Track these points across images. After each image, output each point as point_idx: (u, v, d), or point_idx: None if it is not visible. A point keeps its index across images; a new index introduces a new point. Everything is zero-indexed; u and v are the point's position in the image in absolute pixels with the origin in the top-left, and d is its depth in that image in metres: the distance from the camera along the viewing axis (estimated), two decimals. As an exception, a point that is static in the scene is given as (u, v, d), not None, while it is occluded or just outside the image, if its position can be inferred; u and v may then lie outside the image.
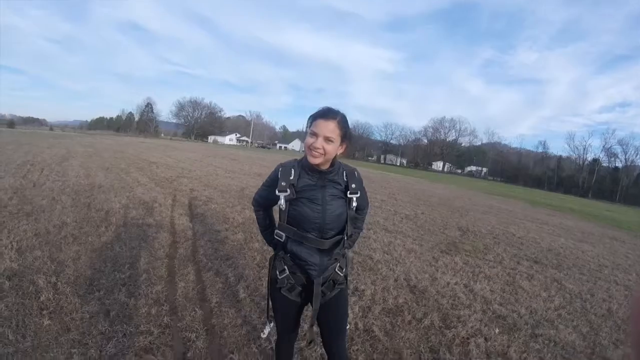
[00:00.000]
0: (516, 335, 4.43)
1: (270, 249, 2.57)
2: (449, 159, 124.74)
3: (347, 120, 2.26)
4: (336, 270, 2.36)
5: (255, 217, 2.63)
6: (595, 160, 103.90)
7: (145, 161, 19.87)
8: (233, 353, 3.37)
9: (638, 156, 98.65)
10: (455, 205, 18.12)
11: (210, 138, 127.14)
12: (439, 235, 9.70)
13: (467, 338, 4.21)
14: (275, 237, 2.36)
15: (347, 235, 2.35)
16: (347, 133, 2.26)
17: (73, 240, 5.71)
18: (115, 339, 3.33)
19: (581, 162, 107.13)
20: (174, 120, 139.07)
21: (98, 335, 3.35)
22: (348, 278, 2.55)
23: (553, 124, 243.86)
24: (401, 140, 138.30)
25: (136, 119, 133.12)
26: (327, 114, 2.18)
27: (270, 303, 2.54)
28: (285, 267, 2.33)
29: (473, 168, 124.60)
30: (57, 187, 9.75)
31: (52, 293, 3.97)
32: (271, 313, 2.57)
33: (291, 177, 2.25)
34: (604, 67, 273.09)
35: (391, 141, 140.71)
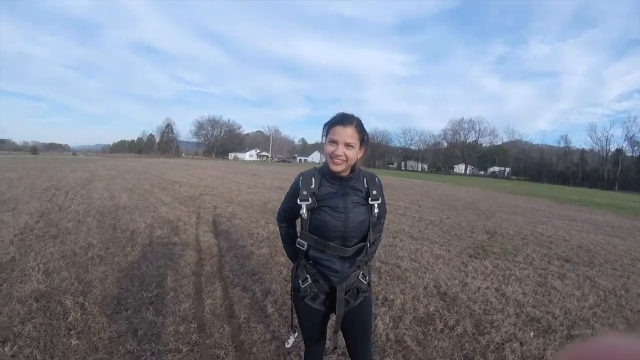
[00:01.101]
0: (552, 338, 4.29)
1: (295, 262, 2.53)
2: (471, 161, 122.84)
3: (362, 124, 2.25)
4: (359, 278, 2.32)
5: (279, 231, 2.58)
6: (619, 151, 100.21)
7: (168, 181, 20.08)
8: (263, 369, 3.30)
9: None
10: (480, 207, 17.87)
11: (231, 155, 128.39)
12: (466, 239, 9.54)
13: (502, 343, 4.09)
14: (297, 245, 2.35)
15: (369, 243, 2.30)
16: (365, 137, 2.26)
17: (100, 261, 5.74)
18: (144, 357, 3.31)
19: (605, 154, 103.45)
20: (194, 140, 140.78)
21: (126, 354, 3.34)
22: (371, 285, 2.49)
23: (572, 117, 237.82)
24: (421, 145, 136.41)
25: (157, 140, 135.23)
26: (344, 120, 2.18)
27: (294, 313, 2.53)
28: (308, 276, 2.31)
29: (496, 168, 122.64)
30: (82, 209, 9.88)
31: (79, 313, 3.98)
32: (295, 323, 2.56)
33: (312, 186, 2.24)
34: (618, 53, 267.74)
35: (410, 147, 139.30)
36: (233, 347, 3.63)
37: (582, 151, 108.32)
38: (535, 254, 8.40)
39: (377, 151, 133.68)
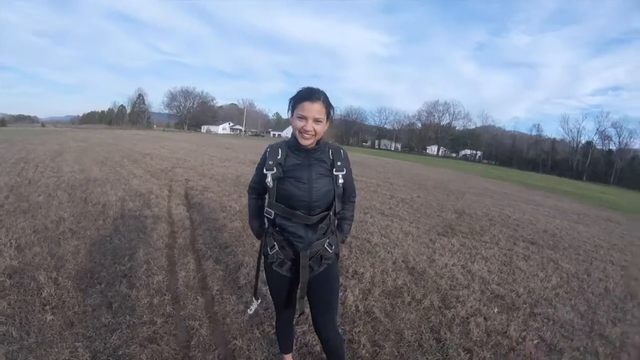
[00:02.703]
0: (515, 314, 4.48)
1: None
2: (444, 143, 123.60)
3: (328, 99, 2.31)
4: (325, 246, 2.41)
5: (248, 203, 2.70)
6: (589, 143, 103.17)
7: (139, 153, 19.76)
8: (236, 339, 3.38)
9: (632, 139, 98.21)
10: (450, 188, 18.16)
11: (204, 128, 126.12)
12: (435, 218, 9.74)
13: (467, 318, 4.25)
14: (265, 214, 2.45)
15: (334, 212, 2.41)
16: (331, 111, 2.34)
17: (71, 235, 5.69)
18: (119, 330, 3.34)
19: (575, 145, 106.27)
20: (167, 111, 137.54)
21: (102, 327, 3.36)
22: (338, 257, 2.61)
23: (547, 107, 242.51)
24: (395, 125, 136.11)
25: (128, 111, 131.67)
26: (311, 95, 2.23)
27: (258, 280, 2.64)
28: (275, 243, 2.40)
29: (467, 152, 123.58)
30: (53, 183, 9.69)
31: (53, 288, 3.96)
32: (259, 289, 2.68)
33: (278, 157, 2.34)
34: (597, 50, 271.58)
35: (385, 126, 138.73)
36: (207, 318, 3.70)
37: (554, 140, 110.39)
38: (501, 234, 8.65)
39: (351, 129, 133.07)
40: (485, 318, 4.29)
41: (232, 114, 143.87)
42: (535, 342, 3.96)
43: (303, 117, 2.21)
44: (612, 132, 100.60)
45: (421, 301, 4.52)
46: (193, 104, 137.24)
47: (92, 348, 3.06)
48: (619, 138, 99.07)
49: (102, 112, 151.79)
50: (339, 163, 2.39)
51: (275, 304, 2.67)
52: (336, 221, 2.56)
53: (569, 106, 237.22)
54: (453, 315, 4.27)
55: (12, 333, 3.17)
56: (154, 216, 7.11)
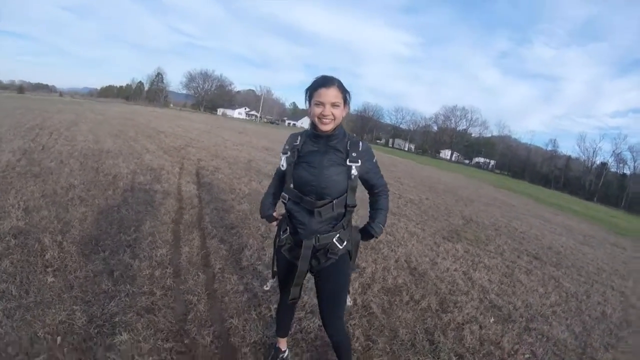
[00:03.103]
0: (510, 327, 4.43)
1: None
2: (458, 148, 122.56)
3: (343, 84, 2.34)
4: (334, 240, 2.39)
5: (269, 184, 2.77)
6: (604, 165, 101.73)
7: (154, 130, 19.83)
8: (233, 318, 3.39)
9: None
10: (460, 194, 18.07)
11: (220, 111, 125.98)
12: (442, 221, 9.68)
13: (462, 324, 4.21)
14: (281, 199, 2.49)
15: (345, 206, 2.38)
16: (347, 95, 2.36)
17: (80, 202, 5.71)
18: (118, 298, 3.35)
19: (589, 165, 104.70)
20: (184, 91, 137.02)
21: (101, 293, 3.38)
22: (351, 254, 2.55)
23: (565, 123, 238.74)
24: (411, 126, 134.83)
25: (146, 88, 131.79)
26: (326, 82, 2.28)
27: (275, 260, 2.64)
28: (288, 227, 2.48)
29: (481, 159, 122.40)
30: (66, 150, 9.75)
31: (57, 251, 3.98)
32: (275, 269, 2.65)
33: (296, 143, 2.43)
34: (622, 70, 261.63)
35: (401, 126, 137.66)
36: (206, 295, 3.70)
37: (568, 158, 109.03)
38: (506, 246, 8.57)
39: (367, 125, 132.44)
40: (480, 326, 4.25)
41: (249, 99, 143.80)
42: (526, 356, 3.90)
43: (320, 103, 2.25)
44: (628, 155, 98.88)
45: (419, 302, 4.48)
46: (211, 86, 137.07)
47: (90, 312, 3.07)
48: (634, 163, 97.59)
49: (121, 87, 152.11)
50: (354, 154, 2.36)
51: (280, 285, 2.70)
52: (350, 217, 2.50)
53: (588, 125, 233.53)
54: (449, 319, 4.23)
55: (11, 291, 3.19)
56: (164, 191, 7.14)
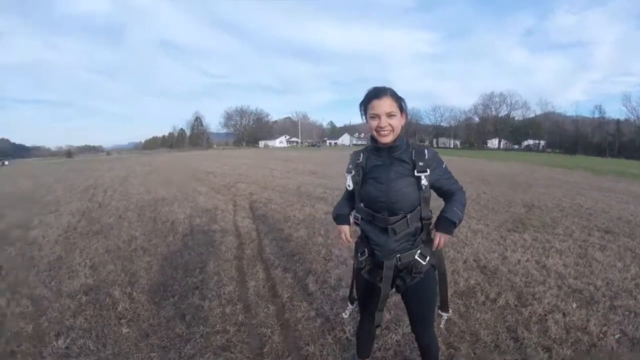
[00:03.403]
0: (594, 308, 4.17)
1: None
2: (504, 135, 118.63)
3: (396, 92, 2.25)
4: (416, 257, 2.29)
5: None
6: None
7: (202, 172, 20.31)
8: (309, 345, 3.33)
9: None
10: (516, 181, 17.51)
11: (261, 143, 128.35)
12: (504, 213, 9.37)
13: (545, 315, 4.00)
14: (354, 220, 2.44)
15: (421, 219, 2.27)
16: (402, 103, 2.26)
17: (143, 252, 5.86)
18: (193, 340, 3.37)
19: None
20: (224, 130, 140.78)
21: (176, 338, 3.41)
22: (443, 267, 2.45)
23: (606, 87, 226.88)
24: (452, 122, 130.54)
25: (187, 134, 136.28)
26: (378, 93, 2.20)
27: (353, 285, 2.60)
28: (365, 250, 2.39)
29: (530, 142, 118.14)
30: (122, 205, 10.10)
31: (128, 303, 4.07)
32: (354, 294, 2.62)
33: (359, 160, 2.36)
34: None
35: (441, 124, 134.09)
36: (278, 326, 3.67)
37: (618, 121, 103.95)
38: (574, 225, 8.18)
39: (408, 129, 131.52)
40: (563, 314, 4.02)
41: (287, 127, 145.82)
42: (617, 336, 3.65)
43: (375, 116, 2.18)
44: None
45: (496, 300, 4.30)
46: (249, 121, 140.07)
47: (167, 358, 3.09)
48: None
49: (163, 136, 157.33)
50: (420, 163, 2.23)
51: (362, 308, 2.63)
52: (429, 230, 2.37)
53: (629, 83, 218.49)
54: (530, 313, 4.03)
55: (89, 346, 3.26)
56: (222, 230, 7.22)
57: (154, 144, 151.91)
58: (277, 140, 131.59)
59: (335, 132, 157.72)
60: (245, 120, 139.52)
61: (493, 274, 5.09)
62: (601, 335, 3.64)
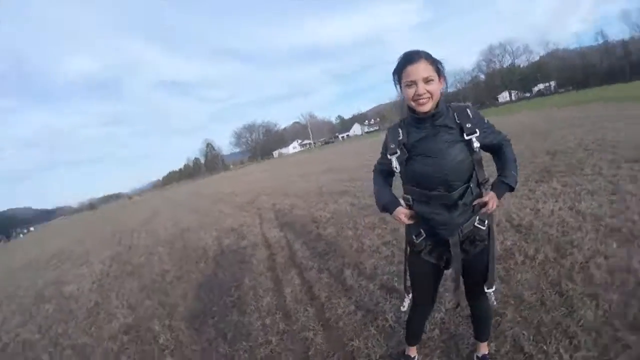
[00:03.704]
0: (636, 245, 4.02)
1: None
2: (513, 86, 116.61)
3: (431, 55, 2.06)
4: (476, 224, 2.16)
5: (373, 179, 2.52)
6: None
7: (223, 193, 20.44)
8: (353, 340, 3.27)
9: None
10: (536, 130, 17.16)
11: (275, 153, 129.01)
12: (529, 165, 9.16)
13: (586, 262, 3.85)
14: (403, 201, 2.24)
15: (477, 184, 2.12)
16: (440, 66, 2.08)
17: (177, 282, 5.88)
18: (237, 356, 3.35)
19: None
20: (237, 150, 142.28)
21: (220, 358, 3.40)
22: (492, 229, 2.29)
23: (602, 9, 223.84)
24: (458, 85, 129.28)
25: (203, 161, 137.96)
26: (412, 58, 2.00)
27: (407, 273, 2.46)
28: (422, 230, 2.21)
29: (541, 86, 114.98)
30: (151, 242, 10.19)
31: (169, 333, 4.08)
32: (408, 284, 2.48)
33: (400, 137, 2.15)
34: None
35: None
36: (320, 326, 3.63)
37: (623, 42, 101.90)
38: (601, 162, 7.94)
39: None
40: (605, 257, 3.87)
41: (298, 131, 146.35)
42: None
43: (412, 83, 1.99)
44: None
45: (534, 257, 4.16)
46: (259, 135, 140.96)
47: (215, 378, 3.03)
48: None
49: (180, 169, 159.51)
50: (468, 125, 2.06)
51: (418, 294, 2.45)
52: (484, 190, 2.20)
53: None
54: (571, 263, 3.88)
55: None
56: (251, 244, 7.21)
57: (172, 178, 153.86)
58: (290, 147, 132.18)
59: (345, 124, 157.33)
60: (255, 134, 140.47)
61: (528, 231, 4.95)
62: (645, 272, 3.51)
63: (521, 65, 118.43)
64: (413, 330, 2.67)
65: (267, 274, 5.37)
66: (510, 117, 33.20)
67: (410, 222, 2.19)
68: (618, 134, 11.07)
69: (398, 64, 2.05)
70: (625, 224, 4.56)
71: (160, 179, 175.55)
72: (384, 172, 2.42)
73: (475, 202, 2.11)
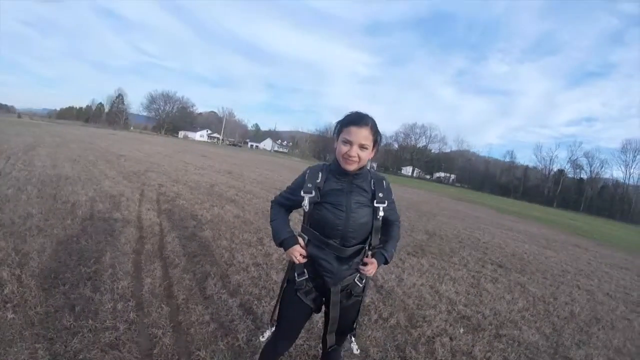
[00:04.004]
0: (480, 335, 4.57)
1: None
2: (419, 165, 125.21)
3: (377, 125, 2.25)
4: (355, 280, 2.32)
5: (270, 211, 2.54)
6: (561, 171, 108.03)
7: (113, 154, 19.47)
8: (200, 350, 3.35)
9: (603, 169, 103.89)
10: (423, 209, 18.40)
11: (181, 133, 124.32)
12: (406, 238, 9.82)
13: (433, 337, 4.32)
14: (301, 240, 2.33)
15: (369, 246, 2.30)
16: (378, 138, 2.28)
17: (38, 232, 5.56)
18: (81, 334, 3.27)
19: (547, 173, 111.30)
20: (145, 113, 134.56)
21: (63, 330, 3.29)
22: (368, 286, 2.53)
23: (521, 135, 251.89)
24: None
25: (106, 110, 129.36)
26: (359, 120, 2.17)
27: (277, 306, 2.50)
28: (305, 270, 2.31)
29: (441, 174, 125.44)
30: (23, 176, 9.49)
31: (16, 286, 3.86)
32: (276, 317, 2.51)
33: (318, 180, 2.26)
34: (573, 82, 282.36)
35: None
36: (171, 327, 3.65)
37: (526, 167, 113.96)
38: (470, 257, 8.78)
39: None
40: (450, 338, 4.37)
41: (211, 121, 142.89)
42: None
43: (348, 142, 2.15)
44: (584, 161, 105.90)
45: (388, 319, 4.56)
46: (172, 108, 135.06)
47: (52, 350, 2.99)
48: (591, 167, 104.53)
49: (80, 108, 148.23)
50: (380, 194, 2.29)
51: (283, 331, 2.48)
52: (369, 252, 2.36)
53: (543, 135, 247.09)
54: (419, 334, 4.33)
55: (-31, 329, 3.08)
56: (124, 220, 7.01)
57: (69, 114, 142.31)
58: (198, 134, 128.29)
59: (259, 135, 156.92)
60: (169, 106, 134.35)
61: (388, 295, 5.39)
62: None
63: (432, 150, 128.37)
64: None
65: (130, 257, 5.26)
66: (406, 190, 35.06)
67: (304, 261, 2.27)
68: (492, 238, 12.28)
69: (345, 118, 2.22)
70: (476, 315, 5.16)
71: (57, 109, 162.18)
72: (284, 207, 2.50)
73: (361, 264, 2.29)
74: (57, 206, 7.17)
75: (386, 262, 2.39)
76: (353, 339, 2.53)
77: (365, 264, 2.28)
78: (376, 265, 2.31)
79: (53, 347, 3.04)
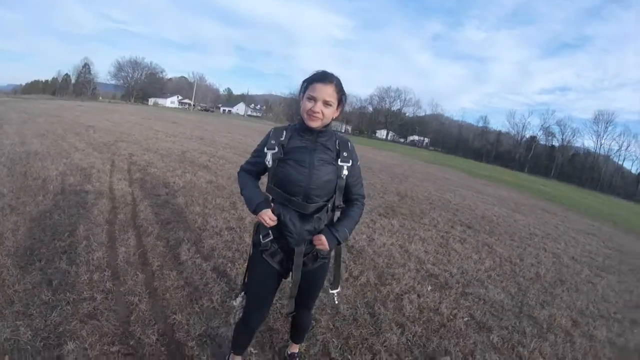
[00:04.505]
0: (447, 293, 4.78)
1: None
2: (393, 128, 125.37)
3: (342, 84, 2.26)
4: None
5: (238, 179, 2.49)
6: (533, 138, 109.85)
7: (82, 125, 18.96)
8: (176, 314, 3.45)
9: (574, 137, 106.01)
10: (395, 171, 18.61)
11: (151, 100, 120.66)
12: (378, 199, 10.00)
13: (401, 294, 4.50)
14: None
15: (333, 206, 2.30)
16: (343, 97, 2.27)
17: (10, 211, 5.49)
18: (60, 307, 3.32)
19: (519, 139, 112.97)
20: (113, 82, 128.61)
21: (42, 305, 3.33)
22: (332, 254, 2.49)
23: (495, 101, 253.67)
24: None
25: (73, 81, 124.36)
26: (324, 78, 2.18)
27: (248, 271, 2.49)
28: (270, 231, 2.29)
29: (415, 137, 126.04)
30: (-9, 156, 9.28)
31: (-9, 266, 3.86)
32: (246, 281, 2.51)
33: (282, 138, 2.26)
34: (549, 52, 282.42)
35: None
36: (147, 294, 3.74)
37: (499, 133, 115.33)
38: (440, 218, 9.01)
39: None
40: (418, 295, 4.56)
41: (182, 87, 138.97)
42: (465, 319, 4.25)
43: (313, 98, 2.15)
44: (556, 129, 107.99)
45: (358, 277, 4.73)
46: (141, 75, 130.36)
47: (33, 326, 3.03)
48: (562, 135, 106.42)
49: (46, 81, 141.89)
50: (344, 154, 2.28)
51: (252, 298, 2.47)
52: (334, 216, 2.36)
53: (516, 102, 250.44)
54: (388, 291, 4.50)
55: (-52, 313, 3.09)
56: (95, 191, 6.98)
57: (35, 89, 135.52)
58: (169, 100, 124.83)
59: (231, 99, 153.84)
60: (137, 73, 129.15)
61: (359, 254, 5.55)
62: (451, 317, 4.24)
63: (407, 114, 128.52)
64: (242, 337, 2.65)
65: (104, 227, 5.29)
66: (380, 152, 35.20)
67: (273, 224, 2.21)
68: (463, 200, 12.59)
69: (311, 76, 2.22)
70: (444, 274, 5.37)
71: (22, 84, 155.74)
72: (252, 173, 2.45)
73: (313, 238, 2.25)
74: (28, 183, 7.06)
75: (339, 243, 2.32)
76: (335, 292, 2.58)
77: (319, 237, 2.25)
78: (326, 244, 2.23)
79: (33, 322, 3.08)
